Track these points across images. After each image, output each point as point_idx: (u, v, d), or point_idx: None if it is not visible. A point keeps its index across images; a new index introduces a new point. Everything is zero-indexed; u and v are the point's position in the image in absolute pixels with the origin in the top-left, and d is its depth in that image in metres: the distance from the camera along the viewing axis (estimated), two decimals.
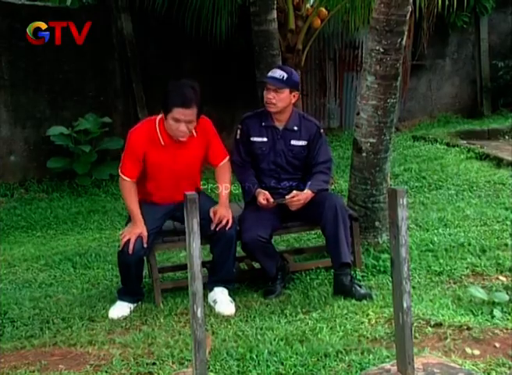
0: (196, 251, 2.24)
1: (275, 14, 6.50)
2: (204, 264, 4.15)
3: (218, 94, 8.71)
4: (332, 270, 3.86)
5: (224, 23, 7.75)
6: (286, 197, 3.79)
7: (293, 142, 3.95)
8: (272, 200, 3.80)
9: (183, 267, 4.30)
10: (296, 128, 3.96)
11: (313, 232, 4.96)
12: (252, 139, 3.95)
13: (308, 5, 7.98)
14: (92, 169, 7.49)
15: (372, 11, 4.22)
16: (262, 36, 6.48)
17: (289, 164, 3.97)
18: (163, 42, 8.29)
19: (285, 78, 3.83)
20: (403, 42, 4.14)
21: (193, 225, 2.22)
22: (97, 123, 7.56)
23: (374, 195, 4.37)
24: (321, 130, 4.03)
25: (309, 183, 3.88)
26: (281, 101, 3.86)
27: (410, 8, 4.09)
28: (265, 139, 3.95)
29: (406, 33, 4.17)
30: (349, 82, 9.78)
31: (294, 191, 3.82)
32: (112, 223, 6.35)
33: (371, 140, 4.26)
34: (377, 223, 4.42)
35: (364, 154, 4.30)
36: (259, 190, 3.85)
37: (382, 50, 4.09)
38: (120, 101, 8.27)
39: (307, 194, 3.80)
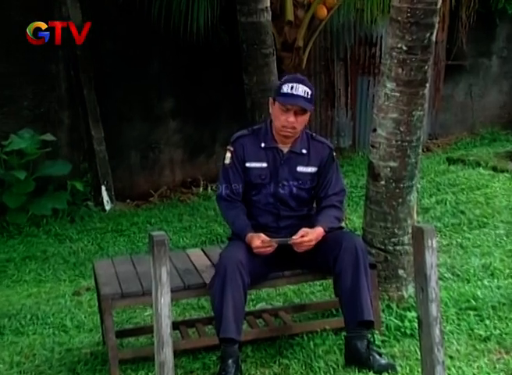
0: (165, 308, 2.26)
1: (268, 2, 6.61)
2: (175, 325, 4.16)
3: (194, 106, 8.82)
4: (344, 333, 3.86)
5: (202, 14, 7.83)
6: (293, 237, 3.80)
7: (299, 169, 3.99)
8: (270, 240, 3.80)
9: (148, 330, 4.30)
10: (304, 151, 4.00)
11: (317, 283, 4.98)
12: (248, 165, 3.97)
13: None
14: (29, 203, 7.50)
15: None
16: (252, 30, 6.58)
17: (293, 197, 4.00)
18: (123, 37, 8.36)
19: (309, 95, 3.90)
20: (433, 37, 4.21)
21: (162, 274, 2.24)
22: (35, 142, 7.57)
23: (396, 235, 4.41)
24: (334, 154, 4.09)
25: (318, 218, 3.91)
26: (302, 124, 3.94)
27: None
28: (265, 164, 3.97)
29: (437, 25, 4.25)
30: (364, 89, 9.93)
31: (303, 229, 3.82)
32: (54, 272, 6.34)
33: (392, 164, 4.32)
34: (400, 272, 4.45)
35: (382, 182, 4.36)
36: (251, 234, 3.85)
37: (405, 48, 4.16)
38: (66, 113, 8.32)
39: (318, 231, 3.81)
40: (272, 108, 3.97)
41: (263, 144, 3.98)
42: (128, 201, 8.46)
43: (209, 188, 8.60)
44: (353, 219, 6.52)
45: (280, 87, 3.90)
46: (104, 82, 8.27)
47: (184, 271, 4.13)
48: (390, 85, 4.24)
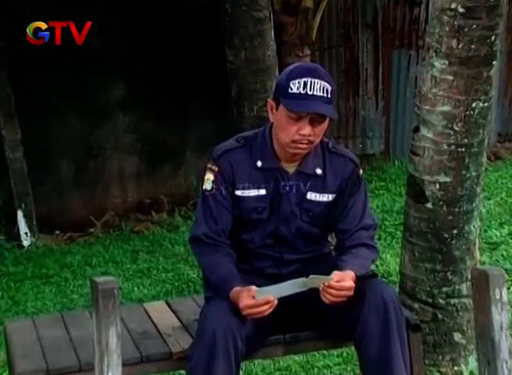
0: None
1: None
2: None
3: (155, 95, 8.82)
4: None
5: None
6: (324, 278, 3.64)
7: (310, 196, 3.95)
8: (271, 298, 3.69)
9: None
10: (319, 171, 3.95)
11: (335, 352, 5.01)
12: (239, 193, 3.93)
13: None
14: None
15: None
16: None
17: (301, 236, 3.98)
18: None
19: (329, 93, 3.80)
20: None
21: (109, 340, 2.26)
22: None
23: (450, 283, 4.44)
24: (361, 171, 4.05)
25: (345, 258, 3.82)
26: (320, 134, 3.86)
27: None
28: (263, 192, 3.94)
29: None
30: (402, 69, 9.95)
31: (336, 272, 3.68)
32: None
33: (443, 178, 4.34)
34: (457, 337, 4.47)
35: (429, 205, 4.38)
36: (238, 289, 3.78)
37: (462, 10, 4.20)
38: None
39: (351, 276, 3.72)
40: (272, 114, 3.90)
41: (260, 163, 3.92)
42: (57, 232, 8.46)
43: (177, 213, 8.62)
44: (387, 259, 6.52)
45: (287, 85, 3.81)
46: (21, 58, 8.27)
47: (141, 335, 4.15)
48: (440, 64, 4.28)
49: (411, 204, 4.48)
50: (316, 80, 3.77)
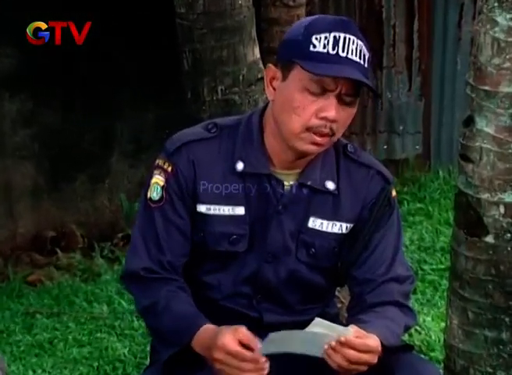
0: None
1: None
2: None
3: (65, 66, 8.86)
4: None
5: None
6: (335, 328, 3.53)
7: (314, 223, 3.95)
8: (261, 359, 3.50)
9: None
10: (331, 185, 3.97)
11: None
12: (202, 209, 3.92)
13: None
14: None
15: None
16: None
17: (295, 285, 4.00)
18: None
19: (367, 61, 3.75)
20: None
21: None
22: None
23: None
24: (394, 193, 4.05)
25: (364, 318, 3.76)
26: (345, 124, 3.82)
27: None
28: (241, 211, 3.94)
29: None
30: (450, 26, 10.04)
31: (355, 327, 3.57)
32: None
33: (510, 197, 4.36)
34: None
35: (489, 238, 4.39)
36: (209, 326, 3.64)
37: None
38: None
39: (377, 341, 3.62)
40: (273, 88, 3.85)
41: (241, 165, 3.92)
42: None
43: (97, 253, 8.64)
44: (426, 324, 6.59)
45: (307, 41, 3.73)
46: None
47: None
48: (506, 20, 4.31)
49: (462, 237, 4.48)
50: (352, 37, 3.73)
